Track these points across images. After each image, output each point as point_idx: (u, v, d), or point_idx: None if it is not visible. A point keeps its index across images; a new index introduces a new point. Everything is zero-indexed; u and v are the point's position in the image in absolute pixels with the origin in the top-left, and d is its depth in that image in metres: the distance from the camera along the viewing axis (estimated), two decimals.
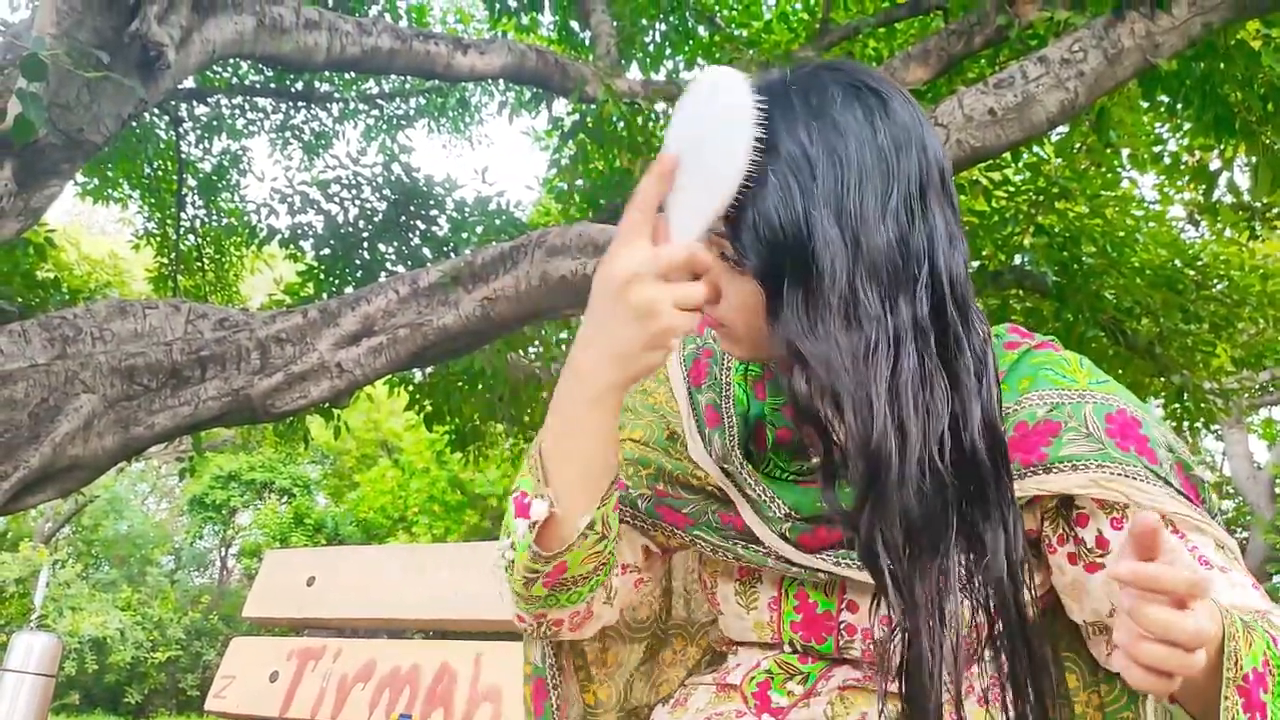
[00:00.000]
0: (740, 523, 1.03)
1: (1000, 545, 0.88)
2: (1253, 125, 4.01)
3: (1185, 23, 3.34)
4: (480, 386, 6.79)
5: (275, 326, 4.30)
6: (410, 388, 7.18)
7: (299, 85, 8.22)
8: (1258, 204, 6.81)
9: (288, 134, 8.67)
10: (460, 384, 6.86)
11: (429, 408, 7.11)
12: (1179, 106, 4.29)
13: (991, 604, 0.90)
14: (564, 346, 7.49)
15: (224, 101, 8.33)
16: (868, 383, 0.84)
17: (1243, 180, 7.40)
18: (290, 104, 8.54)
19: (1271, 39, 4.72)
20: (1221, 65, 3.95)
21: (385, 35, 5.12)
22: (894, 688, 1.01)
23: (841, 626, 1.02)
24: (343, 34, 4.85)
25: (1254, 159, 4.14)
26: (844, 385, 0.84)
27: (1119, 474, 0.92)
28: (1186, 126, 5.53)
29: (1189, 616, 0.71)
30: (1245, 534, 14.77)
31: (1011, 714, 0.91)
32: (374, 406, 16.27)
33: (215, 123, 8.31)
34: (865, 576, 0.97)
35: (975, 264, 6.68)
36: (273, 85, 8.25)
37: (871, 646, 1.00)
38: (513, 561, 0.97)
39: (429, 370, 6.89)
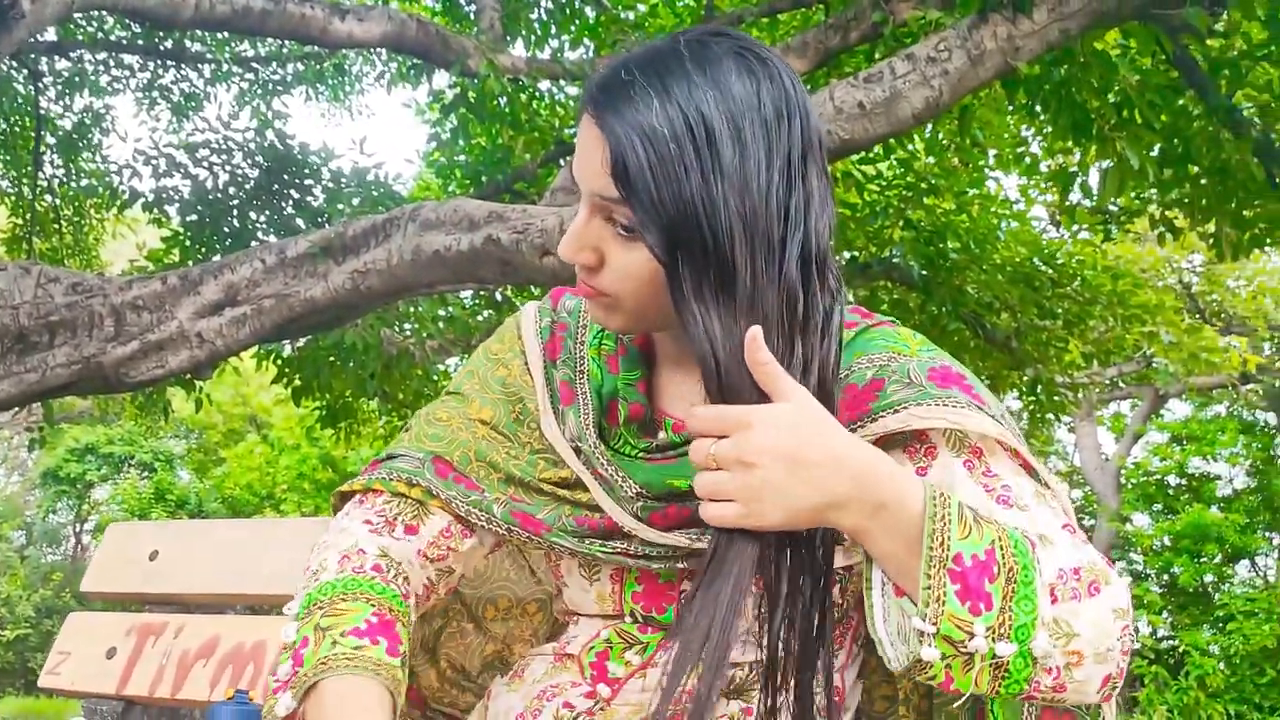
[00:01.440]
0: (594, 523, 1.02)
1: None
2: (1106, 132, 4.20)
3: (1044, 28, 3.48)
4: (351, 362, 6.65)
5: (132, 293, 4.14)
6: (279, 361, 7.00)
7: (168, 43, 7.90)
8: (1113, 207, 7.13)
9: (155, 94, 8.34)
10: (331, 358, 6.71)
11: (298, 382, 6.94)
12: (1039, 110, 4.47)
13: (805, 570, 0.90)
14: (440, 323, 7.40)
15: (87, 56, 7.95)
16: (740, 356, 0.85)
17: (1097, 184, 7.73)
18: (159, 62, 8.20)
19: (1129, 49, 4.94)
20: (1079, 72, 4.12)
21: None
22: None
23: (682, 595, 1.02)
24: None
25: (1104, 164, 4.34)
26: (721, 358, 0.86)
27: (937, 405, 0.93)
28: (1049, 130, 5.76)
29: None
30: (1093, 522, 15.52)
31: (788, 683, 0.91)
32: (242, 380, 15.82)
33: (77, 79, 7.93)
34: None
35: (847, 255, 6.85)
36: (140, 42, 7.91)
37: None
38: (287, 648, 0.96)
39: (299, 343, 6.72)
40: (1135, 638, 0.87)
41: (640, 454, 1.03)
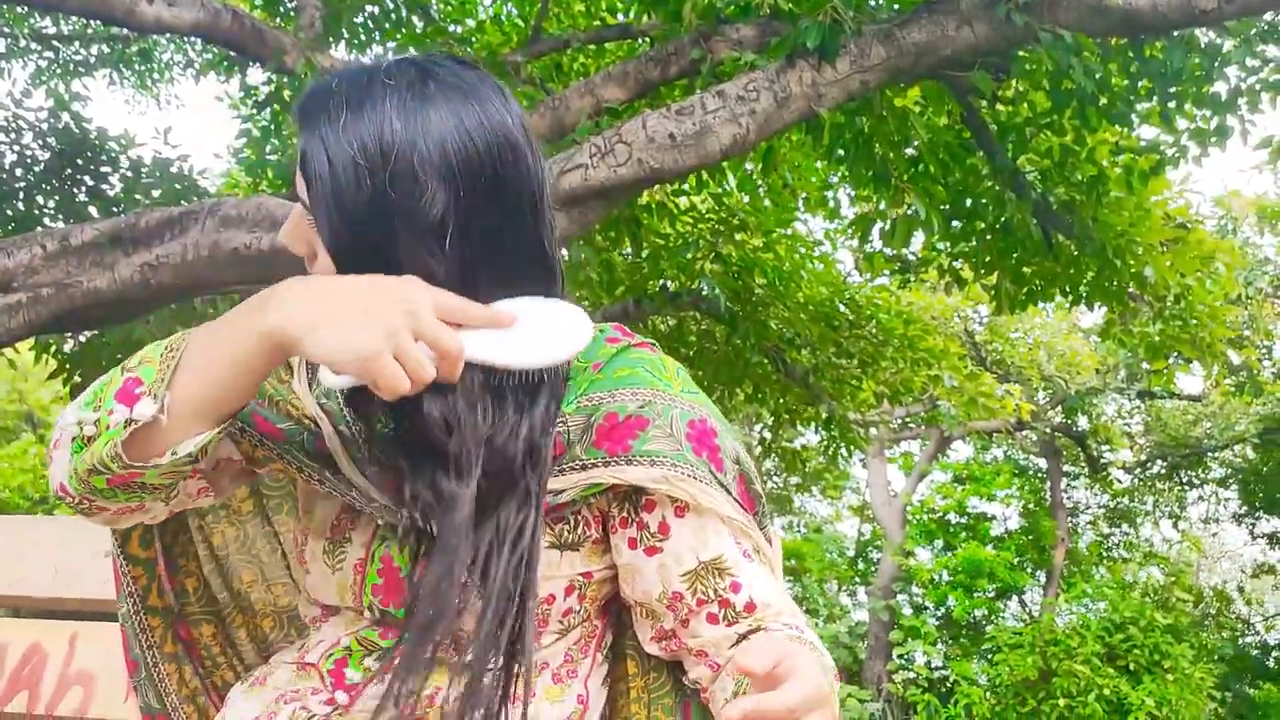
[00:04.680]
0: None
1: (525, 528, 0.96)
2: (900, 183, 4.46)
3: (846, 78, 3.68)
4: None
5: None
6: (59, 355, 6.58)
7: None
8: (911, 256, 7.53)
9: None
10: (118, 355, 6.36)
11: (79, 378, 6.54)
12: (842, 157, 4.70)
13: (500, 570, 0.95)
14: None
15: None
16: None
17: None
18: None
19: (925, 109, 5.26)
20: (878, 125, 4.37)
21: None
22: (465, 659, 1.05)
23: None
24: None
25: (895, 214, 4.61)
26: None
27: (689, 475, 1.00)
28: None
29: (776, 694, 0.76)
30: (879, 555, 16.23)
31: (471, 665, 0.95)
32: (19, 374, 14.74)
33: None
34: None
35: (660, 283, 6.98)
36: None
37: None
38: (89, 439, 0.91)
39: (82, 337, 6.34)
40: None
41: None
